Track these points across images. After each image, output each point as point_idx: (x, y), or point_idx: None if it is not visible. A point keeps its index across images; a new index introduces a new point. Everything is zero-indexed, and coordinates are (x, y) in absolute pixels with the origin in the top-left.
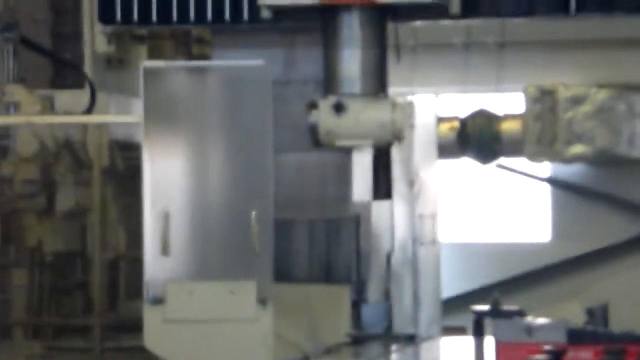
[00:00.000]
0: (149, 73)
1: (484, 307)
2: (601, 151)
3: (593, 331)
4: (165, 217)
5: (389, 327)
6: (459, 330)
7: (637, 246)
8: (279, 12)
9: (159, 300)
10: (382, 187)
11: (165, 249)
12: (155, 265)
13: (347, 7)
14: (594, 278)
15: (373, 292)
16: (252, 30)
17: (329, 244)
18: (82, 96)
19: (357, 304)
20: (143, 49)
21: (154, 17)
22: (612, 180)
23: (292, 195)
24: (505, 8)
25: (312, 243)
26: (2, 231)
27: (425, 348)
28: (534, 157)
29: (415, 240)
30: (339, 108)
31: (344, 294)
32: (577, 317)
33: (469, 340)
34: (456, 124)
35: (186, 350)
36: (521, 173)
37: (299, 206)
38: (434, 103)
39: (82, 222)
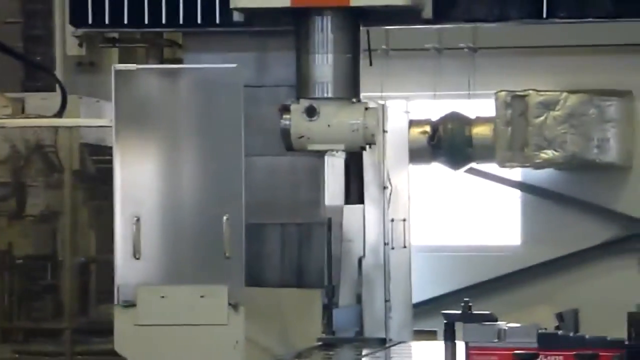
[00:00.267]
0: (120, 76)
1: (455, 311)
2: (572, 156)
3: (565, 336)
4: (137, 221)
5: (360, 331)
6: (430, 334)
7: (607, 251)
8: (251, 16)
9: (130, 304)
10: (354, 192)
11: (136, 253)
12: (126, 269)
13: (319, 11)
14: (565, 283)
15: (344, 296)
16: (224, 33)
17: (300, 248)
18: (53, 99)
19: (328, 308)
20: (114, 52)
21: (126, 20)
22: (582, 185)
23: (264, 199)
24: (477, 13)
25: (284, 247)
26: None
27: (396, 352)
28: (505, 162)
29: (387, 245)
30: (311, 112)
31: (315, 298)
32: (547, 322)
33: (440, 345)
34: (427, 128)
35: (157, 355)
36: (491, 178)
37: (270, 210)
38: (406, 108)
39: (53, 225)
